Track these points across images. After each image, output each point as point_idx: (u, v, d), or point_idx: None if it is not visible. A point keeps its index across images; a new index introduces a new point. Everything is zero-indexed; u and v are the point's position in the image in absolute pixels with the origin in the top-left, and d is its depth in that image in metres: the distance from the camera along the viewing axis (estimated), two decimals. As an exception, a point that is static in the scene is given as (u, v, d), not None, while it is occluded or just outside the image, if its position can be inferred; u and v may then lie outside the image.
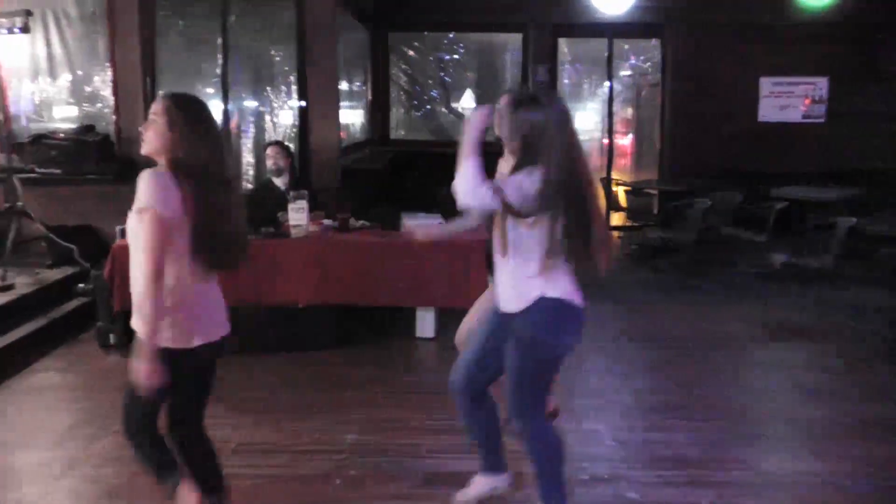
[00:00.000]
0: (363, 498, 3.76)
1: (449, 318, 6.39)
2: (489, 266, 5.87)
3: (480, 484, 3.61)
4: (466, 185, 2.99)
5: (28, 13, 6.71)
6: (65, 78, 7.94)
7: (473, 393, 3.41)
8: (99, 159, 7.28)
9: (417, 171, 10.26)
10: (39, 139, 7.37)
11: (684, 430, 4.42)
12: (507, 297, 3.22)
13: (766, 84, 10.71)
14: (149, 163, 2.87)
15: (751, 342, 6.12)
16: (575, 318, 3.16)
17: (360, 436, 4.41)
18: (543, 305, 3.10)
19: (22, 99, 7.97)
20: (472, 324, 3.78)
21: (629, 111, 12.31)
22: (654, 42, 11.09)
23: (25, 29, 6.69)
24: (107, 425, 4.24)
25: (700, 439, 4.33)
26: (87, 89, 7.89)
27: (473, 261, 5.79)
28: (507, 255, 3.14)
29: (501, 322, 3.27)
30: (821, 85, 10.70)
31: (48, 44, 7.85)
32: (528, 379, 3.20)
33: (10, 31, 6.67)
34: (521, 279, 3.13)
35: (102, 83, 7.87)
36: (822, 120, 10.73)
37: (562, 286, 3.11)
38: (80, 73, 7.95)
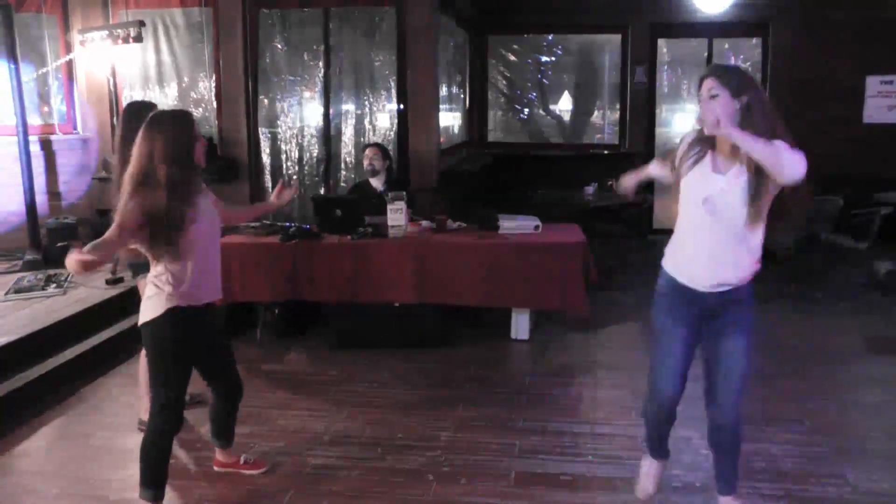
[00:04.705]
0: (455, 494, 3.74)
1: (543, 321, 6.37)
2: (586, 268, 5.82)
3: (656, 467, 3.65)
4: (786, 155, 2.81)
5: (141, 24, 7.00)
6: (172, 84, 8.26)
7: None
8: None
9: (515, 174, 10.22)
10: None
11: (783, 443, 4.23)
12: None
13: (872, 83, 9.98)
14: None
15: (855, 354, 5.77)
16: None
17: (454, 433, 4.41)
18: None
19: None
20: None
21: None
22: (755, 41, 10.72)
23: (138, 38, 6.97)
24: (206, 412, 4.30)
25: (799, 453, 4.14)
26: (193, 95, 8.18)
27: (570, 263, 5.72)
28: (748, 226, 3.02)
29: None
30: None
31: (157, 52, 8.19)
32: None
33: (125, 40, 6.95)
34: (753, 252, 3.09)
35: (206, 89, 8.16)
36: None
37: None
38: (186, 79, 8.26)
